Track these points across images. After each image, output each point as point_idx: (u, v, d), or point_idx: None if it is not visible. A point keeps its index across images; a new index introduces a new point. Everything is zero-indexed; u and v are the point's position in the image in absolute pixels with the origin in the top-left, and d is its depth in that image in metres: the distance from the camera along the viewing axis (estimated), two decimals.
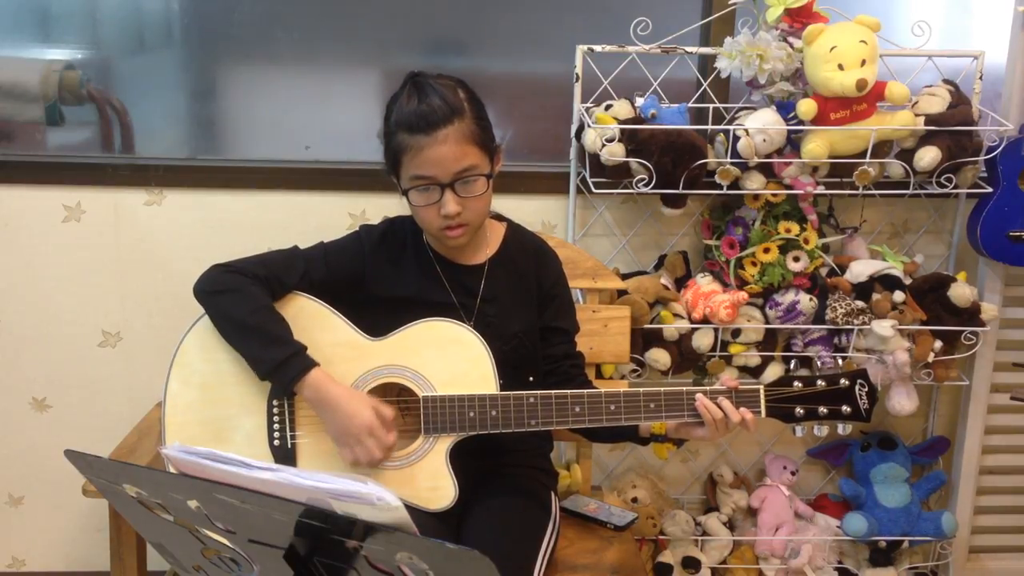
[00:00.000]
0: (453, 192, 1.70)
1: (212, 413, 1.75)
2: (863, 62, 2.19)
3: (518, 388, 1.74)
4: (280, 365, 1.68)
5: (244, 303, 1.71)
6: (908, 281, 2.47)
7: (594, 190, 2.34)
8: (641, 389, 1.73)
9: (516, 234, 1.92)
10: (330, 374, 1.70)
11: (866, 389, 1.72)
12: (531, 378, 1.84)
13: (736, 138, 2.28)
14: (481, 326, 1.78)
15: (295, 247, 1.84)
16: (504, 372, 1.74)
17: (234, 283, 1.73)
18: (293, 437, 1.75)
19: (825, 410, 1.72)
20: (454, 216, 1.72)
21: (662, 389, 1.72)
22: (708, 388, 1.72)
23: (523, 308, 1.86)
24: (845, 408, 1.72)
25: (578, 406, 1.72)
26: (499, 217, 1.94)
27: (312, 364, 1.69)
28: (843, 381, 1.72)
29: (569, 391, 1.73)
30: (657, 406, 1.72)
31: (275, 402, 1.75)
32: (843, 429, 1.74)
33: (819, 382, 1.72)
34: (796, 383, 1.72)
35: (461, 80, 1.76)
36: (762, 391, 1.72)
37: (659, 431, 1.79)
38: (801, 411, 1.72)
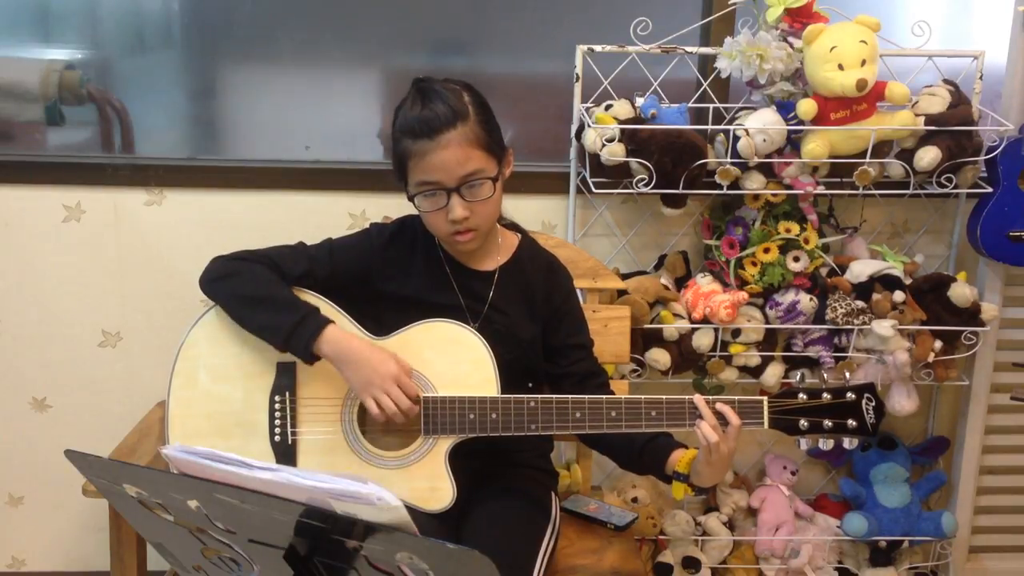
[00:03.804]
0: (460, 197, 1.70)
1: (215, 408, 1.76)
2: (863, 62, 2.19)
3: (518, 393, 1.73)
4: (296, 327, 1.69)
5: (251, 280, 1.74)
6: (908, 281, 2.46)
7: (594, 190, 2.34)
8: (643, 396, 1.72)
9: (530, 247, 1.91)
10: (346, 330, 1.71)
11: (873, 404, 1.69)
12: (530, 384, 1.84)
13: (736, 138, 2.28)
14: (487, 331, 1.78)
15: (301, 243, 1.85)
16: (505, 379, 1.74)
17: (239, 267, 1.76)
18: (294, 433, 1.75)
19: (830, 423, 1.69)
20: (461, 221, 1.71)
21: (664, 397, 1.71)
22: (710, 397, 1.70)
23: (528, 320, 1.86)
24: (851, 422, 1.69)
25: (579, 411, 1.72)
26: (516, 228, 1.94)
27: (327, 321, 1.70)
28: (849, 395, 1.69)
29: (570, 396, 1.73)
30: (659, 413, 1.71)
31: (277, 397, 1.75)
32: (849, 443, 1.72)
33: (824, 395, 1.69)
34: (801, 395, 1.70)
35: (468, 84, 1.76)
36: (765, 403, 1.71)
37: (683, 470, 1.74)
38: (805, 424, 1.70)
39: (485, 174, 1.71)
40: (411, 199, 1.75)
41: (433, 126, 1.67)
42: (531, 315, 1.86)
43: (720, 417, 1.68)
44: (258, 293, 1.73)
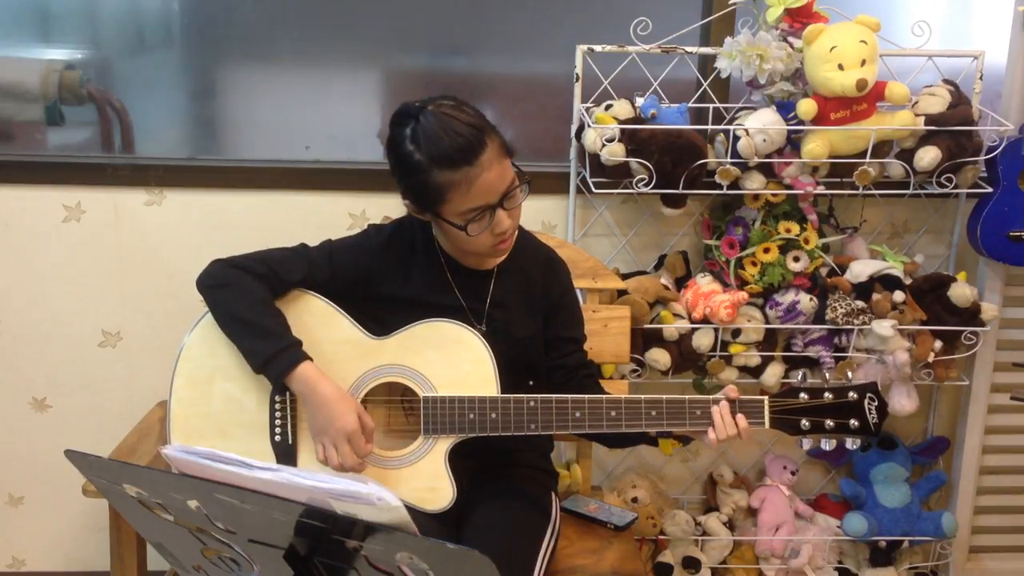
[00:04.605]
0: (504, 209, 1.69)
1: (216, 407, 1.76)
2: (863, 62, 2.19)
3: (519, 392, 1.73)
4: (272, 358, 1.68)
5: (242, 298, 1.73)
6: (908, 281, 2.47)
7: (594, 190, 2.34)
8: (643, 396, 1.72)
9: (526, 242, 1.91)
10: (323, 371, 1.70)
11: (876, 403, 1.68)
12: (531, 382, 1.84)
13: (736, 138, 2.28)
14: (489, 331, 1.78)
15: (302, 245, 1.85)
16: (507, 378, 1.74)
17: (234, 278, 1.74)
18: (294, 433, 1.75)
19: (832, 423, 1.69)
20: (507, 230, 1.71)
21: (664, 396, 1.72)
22: (712, 397, 1.71)
23: (529, 316, 1.86)
24: (853, 422, 1.68)
25: (579, 411, 1.72)
26: None
27: (303, 358, 1.69)
28: (852, 394, 1.69)
29: (570, 396, 1.73)
30: (659, 413, 1.71)
31: (277, 398, 1.75)
32: (851, 444, 1.71)
33: (826, 394, 1.69)
34: (802, 395, 1.69)
35: (453, 96, 1.72)
36: (766, 402, 1.71)
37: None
38: (807, 424, 1.69)
39: (518, 180, 1.71)
40: (460, 228, 1.68)
41: (470, 149, 1.63)
42: (531, 311, 1.86)
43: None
44: (245, 314, 1.71)
